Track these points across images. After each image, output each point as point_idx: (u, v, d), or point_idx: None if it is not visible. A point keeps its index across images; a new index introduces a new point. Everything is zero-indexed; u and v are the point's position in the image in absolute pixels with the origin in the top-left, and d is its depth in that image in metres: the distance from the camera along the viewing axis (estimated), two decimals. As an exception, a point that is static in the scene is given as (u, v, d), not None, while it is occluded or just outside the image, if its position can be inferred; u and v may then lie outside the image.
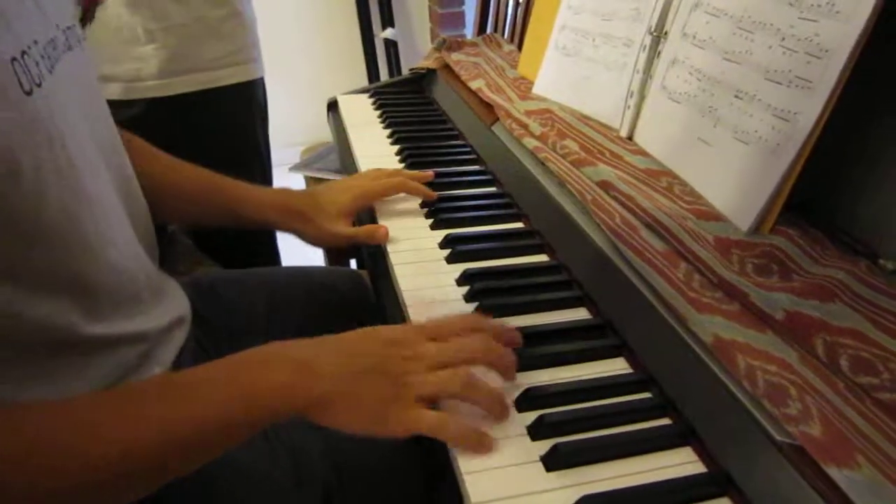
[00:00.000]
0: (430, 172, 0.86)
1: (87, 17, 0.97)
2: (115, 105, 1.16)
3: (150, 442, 0.43)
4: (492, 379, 0.52)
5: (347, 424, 0.48)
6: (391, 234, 0.76)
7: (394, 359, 0.50)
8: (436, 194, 0.82)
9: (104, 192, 0.54)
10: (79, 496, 0.42)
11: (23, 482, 0.40)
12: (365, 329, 0.54)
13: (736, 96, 0.63)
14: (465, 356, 0.51)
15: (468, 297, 0.64)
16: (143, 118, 1.14)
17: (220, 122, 1.23)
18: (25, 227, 0.44)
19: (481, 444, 0.47)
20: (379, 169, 0.86)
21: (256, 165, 1.32)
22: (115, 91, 1.12)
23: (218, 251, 1.28)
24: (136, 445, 0.43)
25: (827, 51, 0.54)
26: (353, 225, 0.80)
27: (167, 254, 0.83)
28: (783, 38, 0.58)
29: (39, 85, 0.45)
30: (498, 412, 0.50)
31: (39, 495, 0.40)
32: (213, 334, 0.75)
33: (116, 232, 0.55)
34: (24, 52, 0.44)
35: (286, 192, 0.81)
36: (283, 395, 0.47)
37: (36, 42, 0.46)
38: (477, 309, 0.62)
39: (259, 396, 0.47)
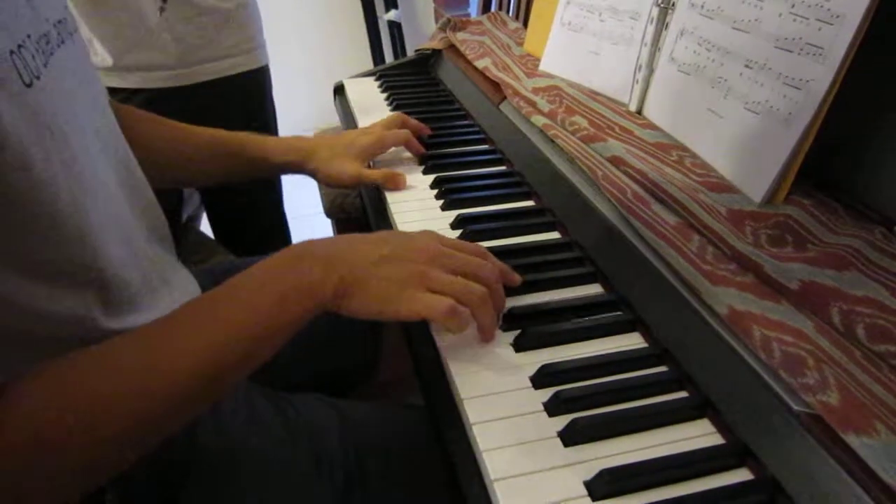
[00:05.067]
0: (426, 128, 0.93)
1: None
2: (128, 93, 1.17)
3: (203, 358, 0.46)
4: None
5: (360, 307, 0.51)
6: (402, 216, 0.76)
7: (410, 252, 0.53)
8: (421, 151, 0.88)
9: (107, 183, 0.54)
10: (135, 432, 0.44)
11: (80, 436, 0.41)
12: (383, 231, 0.58)
13: (746, 66, 0.62)
14: (476, 272, 0.54)
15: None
16: (162, 106, 1.15)
17: (236, 109, 1.24)
18: (40, 220, 0.44)
19: (488, 334, 0.52)
20: (390, 116, 0.90)
21: None
22: (134, 80, 1.13)
23: (232, 240, 1.29)
24: (188, 366, 0.45)
25: (838, 16, 0.53)
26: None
27: (181, 244, 0.84)
28: (793, 5, 0.58)
29: (38, 77, 0.45)
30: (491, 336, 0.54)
31: (100, 440, 0.42)
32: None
33: (122, 223, 0.55)
34: (20, 46, 0.44)
35: (301, 137, 0.86)
36: (314, 291, 0.50)
37: (29, 36, 0.46)
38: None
39: (292, 297, 0.49)
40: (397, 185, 0.81)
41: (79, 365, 0.44)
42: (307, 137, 0.86)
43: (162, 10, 1.05)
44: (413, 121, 0.92)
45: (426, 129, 0.93)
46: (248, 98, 1.27)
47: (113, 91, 1.10)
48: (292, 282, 0.50)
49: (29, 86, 0.43)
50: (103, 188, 0.53)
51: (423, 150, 0.88)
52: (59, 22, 0.53)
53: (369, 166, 0.86)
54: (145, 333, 0.47)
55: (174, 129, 0.80)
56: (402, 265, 0.52)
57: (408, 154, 0.90)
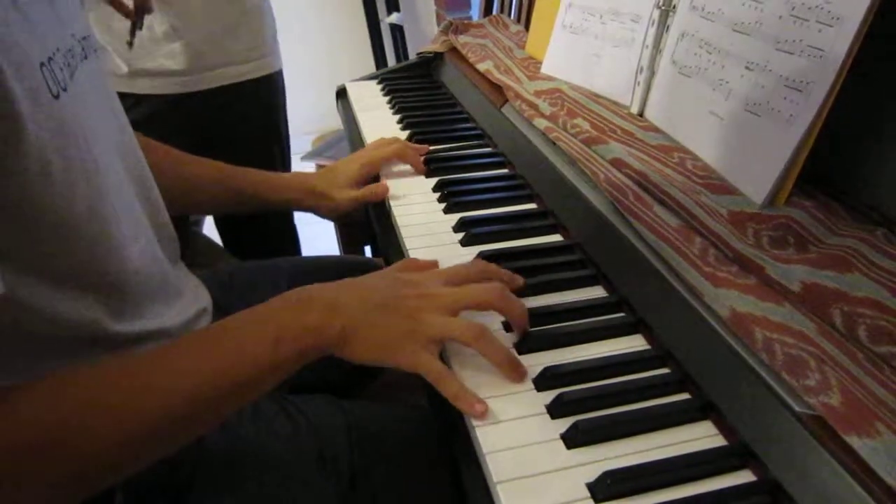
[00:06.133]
0: (425, 146, 0.93)
1: (135, 26, 0.99)
2: (142, 99, 1.17)
3: (188, 392, 0.46)
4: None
5: (362, 354, 0.51)
6: (405, 220, 0.76)
7: (410, 297, 0.53)
8: (424, 168, 0.88)
9: (125, 192, 0.56)
10: (120, 452, 0.44)
11: (66, 446, 0.42)
12: (384, 270, 0.58)
13: (747, 68, 0.63)
14: (479, 300, 0.54)
15: (484, 280, 0.64)
16: (172, 112, 1.15)
17: (246, 115, 1.25)
18: (56, 225, 0.45)
19: (473, 407, 0.48)
20: (381, 138, 0.92)
21: (278, 154, 1.34)
22: (146, 86, 1.14)
23: (237, 244, 1.29)
24: (176, 396, 0.46)
25: (838, 18, 0.53)
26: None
27: (187, 249, 0.85)
28: (793, 7, 0.58)
29: (65, 90, 0.47)
30: (509, 369, 0.51)
31: (85, 456, 0.43)
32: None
33: (137, 231, 0.56)
34: (49, 59, 0.46)
35: (301, 173, 0.89)
36: (313, 334, 0.50)
37: (58, 49, 0.48)
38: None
39: (289, 339, 0.49)
40: (377, 195, 0.83)
41: (78, 378, 0.44)
42: (306, 174, 0.88)
43: (131, 44, 1.04)
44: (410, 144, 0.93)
45: (423, 150, 0.92)
46: (259, 104, 1.27)
47: (123, 97, 1.11)
48: (290, 322, 0.50)
49: (56, 97, 0.45)
50: (122, 197, 0.55)
51: (422, 165, 0.88)
52: (84, 38, 0.55)
53: (377, 177, 0.87)
54: (147, 354, 0.48)
55: (178, 159, 0.82)
56: (400, 313, 0.52)
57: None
